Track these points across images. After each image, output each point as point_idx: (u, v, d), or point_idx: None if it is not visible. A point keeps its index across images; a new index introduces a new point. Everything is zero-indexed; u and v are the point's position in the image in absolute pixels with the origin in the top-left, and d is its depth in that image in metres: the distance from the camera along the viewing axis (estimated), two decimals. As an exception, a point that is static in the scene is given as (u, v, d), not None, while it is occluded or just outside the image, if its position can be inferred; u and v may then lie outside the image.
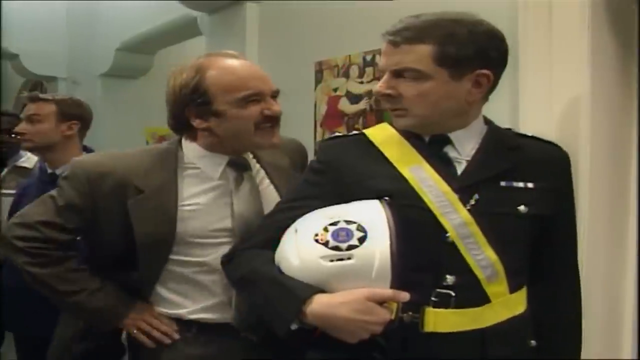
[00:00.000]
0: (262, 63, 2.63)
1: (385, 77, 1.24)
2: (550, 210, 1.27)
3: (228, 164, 1.48)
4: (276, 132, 1.45)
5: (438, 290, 1.18)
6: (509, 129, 1.36)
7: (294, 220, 1.24)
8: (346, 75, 2.61)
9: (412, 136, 1.27)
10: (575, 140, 1.65)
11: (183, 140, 1.52)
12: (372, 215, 1.15)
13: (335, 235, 1.12)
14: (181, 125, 1.46)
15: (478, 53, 1.19)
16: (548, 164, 1.29)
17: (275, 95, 1.46)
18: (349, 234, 1.11)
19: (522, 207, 1.22)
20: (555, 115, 1.74)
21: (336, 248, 1.11)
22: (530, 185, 1.25)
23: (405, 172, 1.23)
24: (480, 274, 1.19)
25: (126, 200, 1.40)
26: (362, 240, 1.11)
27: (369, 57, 2.49)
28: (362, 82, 2.54)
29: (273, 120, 1.43)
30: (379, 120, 2.43)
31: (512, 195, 1.23)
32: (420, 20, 1.22)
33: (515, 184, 1.24)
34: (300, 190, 1.34)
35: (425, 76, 1.18)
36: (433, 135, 1.27)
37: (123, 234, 1.40)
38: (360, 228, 1.12)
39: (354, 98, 2.58)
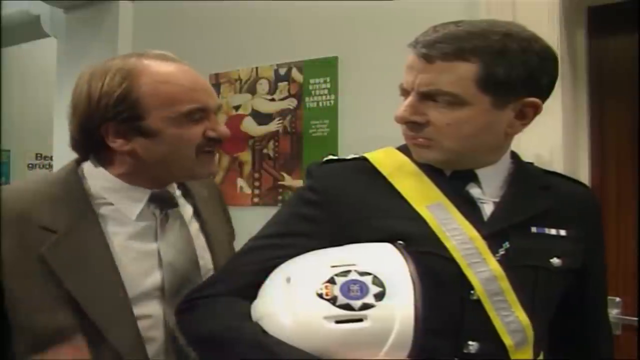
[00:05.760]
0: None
1: (411, 99, 1.00)
2: (581, 263, 1.10)
3: (150, 200, 1.17)
4: (215, 157, 1.20)
5: (457, 359, 0.98)
6: (531, 163, 1.17)
7: (278, 263, 1.01)
8: (252, 90, 2.26)
9: (429, 167, 1.07)
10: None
11: (85, 167, 1.17)
12: (390, 265, 0.94)
13: (346, 289, 0.91)
14: (90, 145, 1.14)
15: (530, 77, 0.98)
16: (580, 208, 1.11)
17: (217, 112, 1.20)
18: (363, 289, 0.91)
19: (555, 260, 1.04)
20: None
21: (347, 307, 0.90)
22: (562, 232, 1.07)
23: (422, 210, 1.02)
24: (508, 340, 0.99)
25: (34, 247, 1.04)
26: (379, 297, 0.91)
27: (282, 71, 2.17)
28: (273, 100, 2.21)
29: (215, 144, 1.17)
30: (296, 145, 2.14)
31: (544, 245, 1.05)
32: (463, 30, 0.97)
33: (547, 230, 1.06)
34: (287, 224, 1.08)
35: (462, 102, 0.97)
36: (456, 170, 1.06)
37: (57, 303, 1.04)
38: (377, 281, 0.92)
39: (262, 117, 2.24)
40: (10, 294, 1.05)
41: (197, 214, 1.26)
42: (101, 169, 1.15)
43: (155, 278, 1.13)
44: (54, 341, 1.05)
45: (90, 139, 1.12)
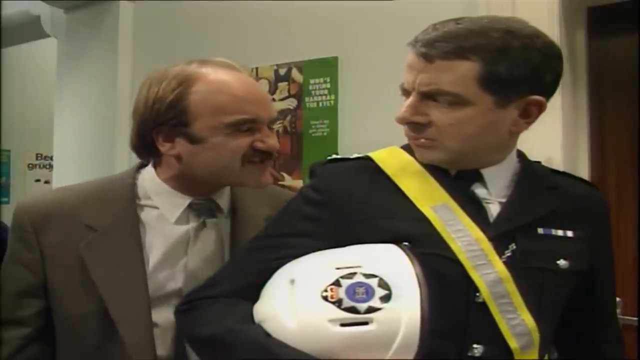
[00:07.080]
0: (138, 76, 2.22)
1: (412, 99, 0.99)
2: (588, 264, 1.08)
3: (190, 207, 1.18)
4: (267, 168, 1.18)
5: None
6: (539, 162, 1.16)
7: (280, 263, 1.00)
8: (252, 91, 2.25)
9: (433, 167, 1.05)
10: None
11: (143, 170, 1.22)
12: (396, 267, 0.93)
13: (351, 292, 0.90)
14: (146, 148, 1.17)
15: (533, 75, 0.96)
16: (588, 209, 1.10)
17: (271, 124, 1.18)
18: (369, 292, 0.90)
19: (562, 262, 1.03)
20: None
21: (352, 310, 0.89)
22: (569, 233, 1.06)
23: (427, 211, 1.00)
24: (513, 343, 0.98)
25: (76, 243, 1.11)
26: (385, 300, 0.90)
27: (282, 71, 2.17)
28: (273, 100, 2.21)
29: (265, 155, 1.15)
30: (296, 145, 2.14)
31: (551, 246, 1.04)
32: (463, 28, 0.95)
33: (554, 231, 1.05)
34: (290, 224, 1.07)
35: (464, 101, 0.95)
36: (461, 170, 1.05)
37: (85, 294, 1.10)
38: (383, 284, 0.91)
39: (262, 118, 2.23)
40: (53, 285, 1.12)
41: (237, 223, 1.24)
42: (153, 171, 1.19)
43: (176, 284, 1.14)
44: (83, 330, 1.11)
45: (145, 142, 1.15)
